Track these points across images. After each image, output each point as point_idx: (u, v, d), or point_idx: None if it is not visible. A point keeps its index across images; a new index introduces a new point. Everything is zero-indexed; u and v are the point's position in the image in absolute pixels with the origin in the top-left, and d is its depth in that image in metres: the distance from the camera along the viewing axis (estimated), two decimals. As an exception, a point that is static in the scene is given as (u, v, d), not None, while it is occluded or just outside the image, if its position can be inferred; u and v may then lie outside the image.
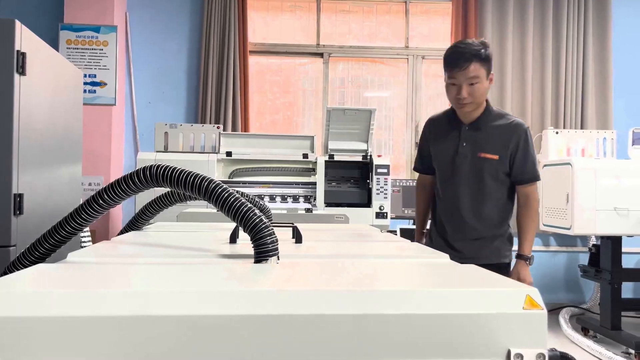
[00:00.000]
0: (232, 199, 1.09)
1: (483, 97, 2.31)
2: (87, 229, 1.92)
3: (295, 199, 3.81)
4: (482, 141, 2.34)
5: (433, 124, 2.54)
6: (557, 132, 4.23)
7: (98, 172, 4.38)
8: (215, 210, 3.33)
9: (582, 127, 4.75)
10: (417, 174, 2.64)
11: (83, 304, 0.72)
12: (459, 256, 2.12)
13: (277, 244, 1.09)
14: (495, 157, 2.32)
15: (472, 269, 1.01)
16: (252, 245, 1.09)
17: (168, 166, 1.13)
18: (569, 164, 3.61)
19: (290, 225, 1.52)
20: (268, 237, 1.08)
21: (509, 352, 0.77)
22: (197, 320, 0.72)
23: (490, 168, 2.33)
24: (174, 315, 0.72)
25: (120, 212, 4.66)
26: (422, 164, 2.59)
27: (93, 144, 4.25)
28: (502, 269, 2.40)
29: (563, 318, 4.23)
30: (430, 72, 5.30)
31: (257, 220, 1.09)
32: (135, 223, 1.73)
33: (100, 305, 0.72)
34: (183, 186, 1.12)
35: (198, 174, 1.12)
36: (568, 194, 3.60)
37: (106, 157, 4.46)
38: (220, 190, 1.10)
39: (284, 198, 3.80)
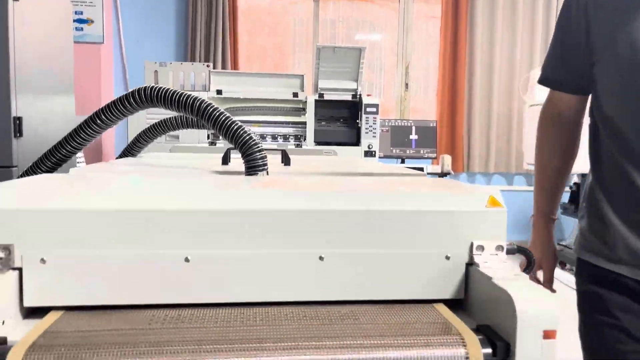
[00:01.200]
0: (224, 117, 1.16)
1: None
2: (82, 155, 1.98)
3: (286, 138, 3.87)
4: None
5: None
6: (544, 73, 4.27)
7: (89, 111, 4.38)
8: (207, 145, 3.39)
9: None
10: (410, 113, 2.62)
11: (88, 200, 0.80)
12: None
13: (266, 160, 1.17)
14: None
15: (448, 180, 1.10)
16: (243, 161, 1.16)
17: (162, 87, 1.19)
18: (554, 103, 3.69)
19: (279, 150, 1.60)
20: (258, 153, 1.16)
21: (472, 244, 0.87)
22: (196, 214, 0.81)
23: None
24: (174, 209, 0.81)
25: (113, 153, 4.71)
26: (567, 69, 1.23)
27: (82, 84, 4.24)
28: None
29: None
30: (421, 13, 5.25)
31: (247, 137, 1.16)
32: (130, 150, 1.80)
33: (103, 200, 0.80)
34: (177, 106, 1.18)
35: (191, 95, 1.18)
36: (552, 134, 3.70)
37: (96, 97, 4.45)
38: (212, 109, 1.17)
39: (274, 137, 3.86)
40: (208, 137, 3.73)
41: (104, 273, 0.79)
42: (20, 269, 0.78)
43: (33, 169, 1.27)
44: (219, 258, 0.81)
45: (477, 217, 0.87)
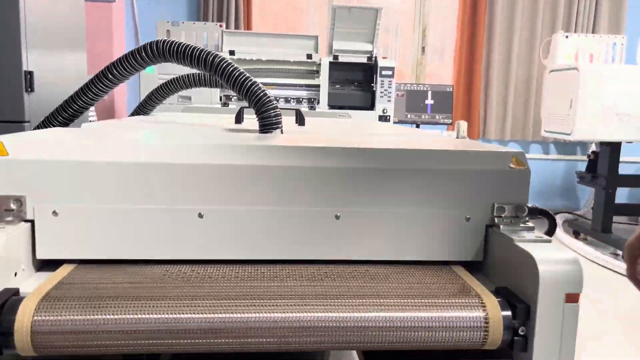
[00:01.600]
0: (237, 73, 1.12)
1: None
2: (94, 113, 1.96)
3: (299, 101, 3.81)
4: None
5: None
6: (566, 37, 4.13)
7: (101, 72, 4.34)
8: (219, 106, 3.36)
9: (593, 32, 4.64)
10: (426, 78, 2.56)
11: (101, 152, 0.78)
12: None
13: (281, 118, 1.14)
14: None
15: (469, 140, 1.07)
16: (257, 118, 1.13)
17: (174, 40, 1.15)
18: (575, 69, 3.57)
19: (293, 109, 1.57)
20: (272, 111, 1.13)
21: (493, 205, 0.84)
22: (210, 169, 0.79)
23: None
24: (188, 164, 0.78)
25: (125, 113, 4.69)
26: None
27: (94, 44, 4.19)
28: None
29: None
30: (440, -28, 5.07)
31: (262, 94, 1.13)
32: (142, 109, 1.77)
33: (115, 153, 0.78)
34: (189, 60, 1.15)
35: (204, 49, 1.14)
36: (572, 100, 3.60)
37: (108, 57, 4.40)
38: (225, 64, 1.13)
39: (287, 100, 3.81)
40: (220, 99, 3.68)
41: (117, 227, 0.78)
42: (32, 221, 0.77)
43: (45, 124, 1.25)
44: (232, 214, 0.79)
45: (500, 177, 0.84)
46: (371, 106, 3.82)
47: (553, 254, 0.71)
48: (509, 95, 4.94)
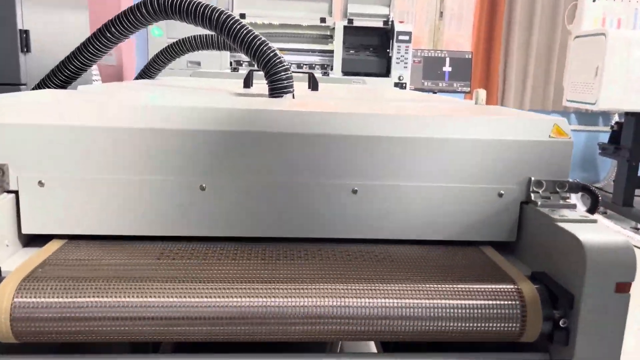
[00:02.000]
0: (245, 31, 1.02)
1: None
2: (98, 74, 1.88)
3: (311, 67, 3.69)
4: None
5: None
6: (594, 1, 3.92)
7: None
8: (229, 71, 3.25)
9: (622, -3, 4.41)
10: (444, 45, 2.44)
11: (93, 116, 0.70)
12: None
13: (292, 82, 1.05)
14: None
15: (499, 107, 0.97)
16: (267, 81, 1.04)
17: (177, -5, 1.05)
18: (602, 34, 3.39)
19: (306, 72, 1.46)
20: (283, 73, 1.03)
21: (529, 180, 0.75)
22: (213, 136, 0.70)
23: None
24: (188, 130, 0.70)
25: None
26: None
27: (99, 1, 4.06)
28: None
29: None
30: None
31: (272, 54, 1.03)
32: (147, 72, 1.68)
33: (109, 118, 0.70)
34: (193, 17, 1.05)
35: (210, 5, 1.04)
36: (598, 67, 3.44)
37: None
38: (232, 21, 1.03)
39: (299, 66, 3.68)
40: (231, 64, 3.57)
41: (110, 200, 0.70)
42: (16, 192, 0.69)
43: (40, 86, 1.17)
44: (238, 187, 0.71)
45: (538, 148, 0.74)
46: (387, 73, 3.69)
47: (602, 237, 0.62)
48: (530, 63, 4.76)
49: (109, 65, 3.53)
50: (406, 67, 3.60)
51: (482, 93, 3.79)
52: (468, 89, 4.19)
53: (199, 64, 3.30)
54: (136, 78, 1.70)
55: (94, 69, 1.77)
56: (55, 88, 1.16)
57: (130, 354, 0.63)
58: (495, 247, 0.76)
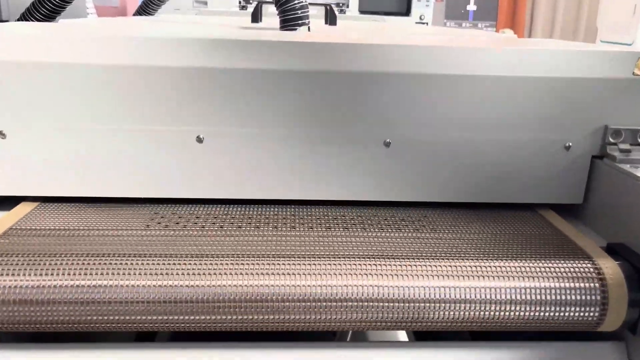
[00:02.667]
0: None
1: None
2: (93, 9, 1.72)
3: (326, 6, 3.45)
4: None
5: None
6: None
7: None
8: (237, 9, 3.05)
9: None
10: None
11: (68, 51, 0.56)
12: None
13: (308, 12, 0.89)
14: None
15: (554, 40, 0.81)
16: (277, 12, 0.88)
17: None
18: (645, -34, 3.11)
19: (323, 4, 1.29)
20: (297, 1, 0.87)
21: (605, 129, 0.60)
22: (213, 74, 0.56)
23: None
24: (183, 67, 0.56)
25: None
26: None
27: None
28: None
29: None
30: None
31: (283, -22, 0.87)
32: (145, 8, 1.52)
33: (88, 53, 0.56)
34: None
35: None
36: (636, 5, 3.18)
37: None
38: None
39: (310, 4, 3.45)
40: (240, 2, 3.35)
41: (89, 154, 0.57)
42: (-28, 146, 0.57)
43: (24, 18, 1.02)
44: (243, 139, 0.58)
45: (617, 88, 0.59)
46: (407, 12, 3.45)
47: None
48: (559, 2, 4.45)
49: (111, 7, 3.33)
50: (428, 5, 3.35)
51: (509, 33, 3.54)
52: (494, 29, 3.93)
53: (205, 3, 3.10)
54: (133, 15, 1.54)
55: (89, 3, 1.61)
56: (38, 20, 1.02)
57: (122, 342, 0.52)
58: (555, 210, 0.63)
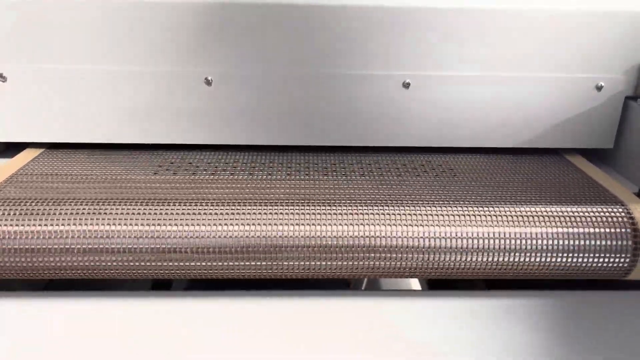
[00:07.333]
0: None
1: None
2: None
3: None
4: None
5: None
6: None
7: None
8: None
9: None
10: None
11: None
12: None
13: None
14: None
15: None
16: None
17: None
18: None
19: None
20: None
21: (641, 67, 0.56)
22: (221, 11, 0.53)
23: None
24: (183, 1, 0.52)
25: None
26: None
27: None
28: None
29: None
30: None
31: None
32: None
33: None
34: None
35: None
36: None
37: None
38: None
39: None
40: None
41: (94, 98, 0.55)
42: (-28, 90, 0.55)
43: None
44: (254, 80, 0.55)
45: (657, 23, 0.55)
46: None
47: None
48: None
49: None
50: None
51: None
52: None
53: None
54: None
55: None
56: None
57: (138, 290, 0.51)
58: (584, 155, 0.60)
